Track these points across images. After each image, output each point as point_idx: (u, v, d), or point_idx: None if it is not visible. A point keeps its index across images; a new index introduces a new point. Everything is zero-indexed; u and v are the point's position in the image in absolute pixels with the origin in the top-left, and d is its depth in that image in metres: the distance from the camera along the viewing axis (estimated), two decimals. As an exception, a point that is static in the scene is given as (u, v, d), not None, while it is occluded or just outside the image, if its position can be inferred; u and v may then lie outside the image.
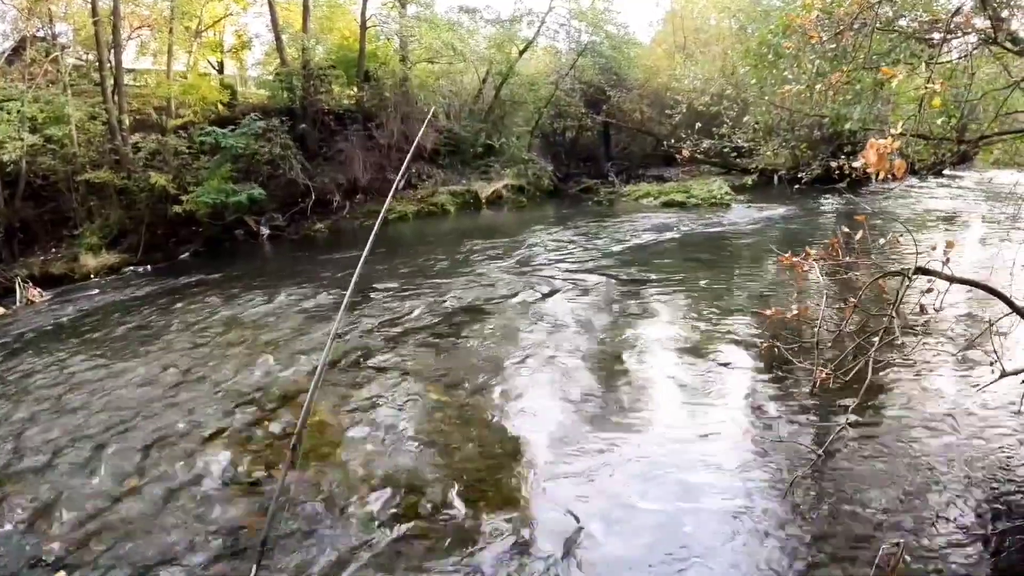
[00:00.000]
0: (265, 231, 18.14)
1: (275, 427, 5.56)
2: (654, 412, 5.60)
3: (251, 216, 18.06)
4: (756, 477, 4.48)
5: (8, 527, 4.48)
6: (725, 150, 11.02)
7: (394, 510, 4.27)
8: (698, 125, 11.17)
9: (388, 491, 4.48)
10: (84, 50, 19.78)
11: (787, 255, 3.53)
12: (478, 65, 23.66)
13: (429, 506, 4.28)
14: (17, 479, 5.17)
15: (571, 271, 11.23)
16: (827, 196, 18.98)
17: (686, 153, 11.21)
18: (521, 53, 24.75)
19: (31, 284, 15.85)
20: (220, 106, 19.36)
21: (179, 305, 11.13)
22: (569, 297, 9.50)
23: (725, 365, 6.52)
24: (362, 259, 3.71)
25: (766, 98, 8.83)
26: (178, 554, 3.96)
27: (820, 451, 4.16)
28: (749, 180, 18.53)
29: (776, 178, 21.51)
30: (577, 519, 4.06)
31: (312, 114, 19.85)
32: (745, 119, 10.75)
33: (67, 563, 3.99)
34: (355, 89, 20.99)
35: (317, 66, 20.33)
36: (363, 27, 21.09)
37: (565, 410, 5.69)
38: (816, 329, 3.63)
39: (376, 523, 4.15)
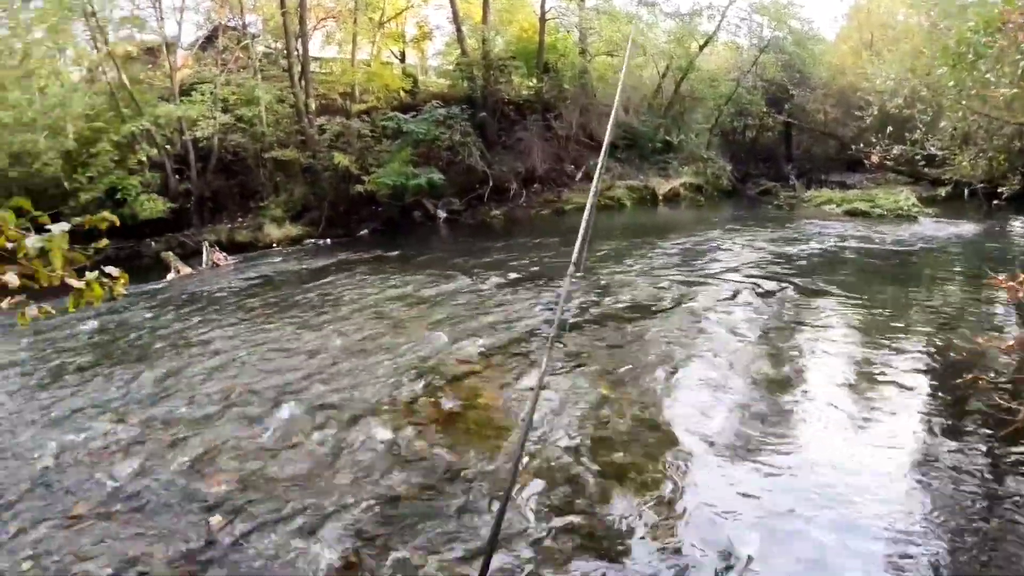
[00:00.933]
0: (442, 214, 17.86)
1: (443, 404, 5.25)
2: (822, 435, 4.77)
3: (429, 199, 17.88)
4: (924, 524, 3.67)
5: (175, 467, 4.58)
6: (916, 158, 9.94)
7: (551, 502, 3.92)
8: (889, 129, 10.11)
9: (543, 482, 4.09)
10: (273, 39, 20.53)
11: (1000, 276, 3.37)
12: (657, 59, 22.47)
13: (584, 502, 3.91)
14: (190, 425, 5.30)
15: (747, 276, 10.00)
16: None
17: (875, 159, 10.43)
18: (701, 48, 23.36)
19: (217, 248, 16.62)
20: (402, 93, 19.54)
21: (355, 278, 11.11)
22: (744, 303, 8.47)
23: (906, 390, 5.42)
24: (576, 250, 3.21)
25: (963, 103, 8.26)
26: (329, 515, 3.80)
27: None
28: (941, 192, 17.00)
29: (969, 192, 18.57)
30: (731, 537, 3.58)
31: (492, 103, 19.46)
32: (941, 124, 9.67)
33: (223, 508, 3.96)
34: (534, 80, 20.39)
35: (497, 57, 20.00)
36: (542, 19, 20.65)
37: (730, 421, 4.96)
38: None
39: (532, 513, 3.78)
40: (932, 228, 15.37)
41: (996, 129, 8.59)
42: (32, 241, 1.89)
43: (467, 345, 6.58)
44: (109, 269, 2.12)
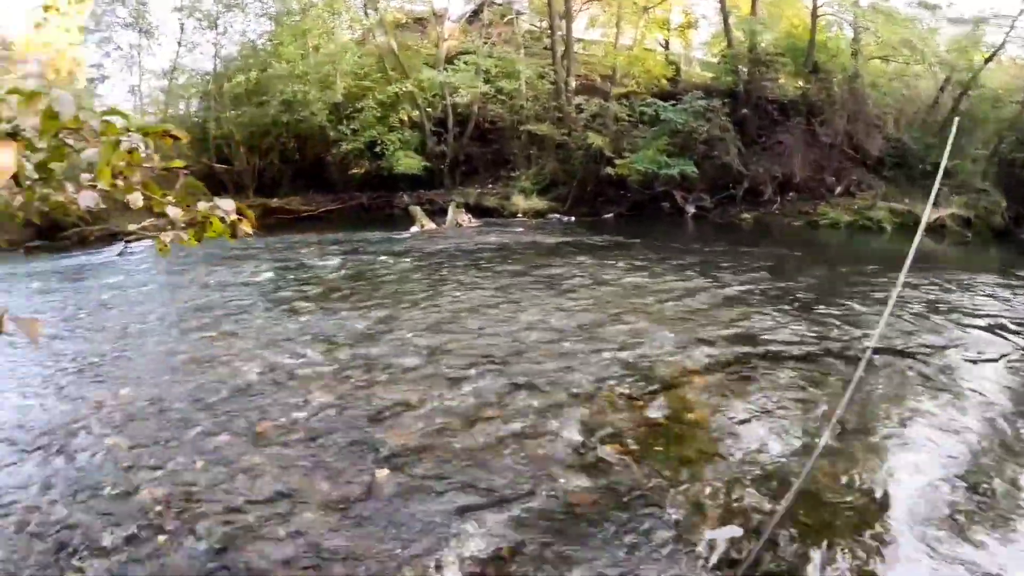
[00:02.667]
0: (691, 209, 17.15)
1: (648, 410, 4.62)
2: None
3: (679, 192, 17.17)
4: None
5: (363, 410, 4.56)
6: None
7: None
8: None
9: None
10: (538, 17, 20.88)
11: None
12: (938, 70, 20.26)
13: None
14: (390, 373, 5.29)
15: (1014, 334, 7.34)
16: None
17: None
18: (987, 61, 20.72)
19: (463, 210, 17.11)
20: (663, 81, 19.06)
21: (592, 260, 10.64)
22: (1010, 368, 6.17)
23: None
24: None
25: None
26: (494, 501, 3.47)
27: None
28: None
29: None
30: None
31: (754, 100, 18.40)
32: None
33: (393, 463, 3.82)
34: (801, 81, 19.08)
35: (763, 51, 18.90)
36: (814, 15, 19.16)
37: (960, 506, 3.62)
38: None
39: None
40: None
41: None
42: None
43: (691, 352, 5.81)
44: (228, 205, 2.21)
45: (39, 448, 4.41)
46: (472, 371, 5.30)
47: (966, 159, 19.99)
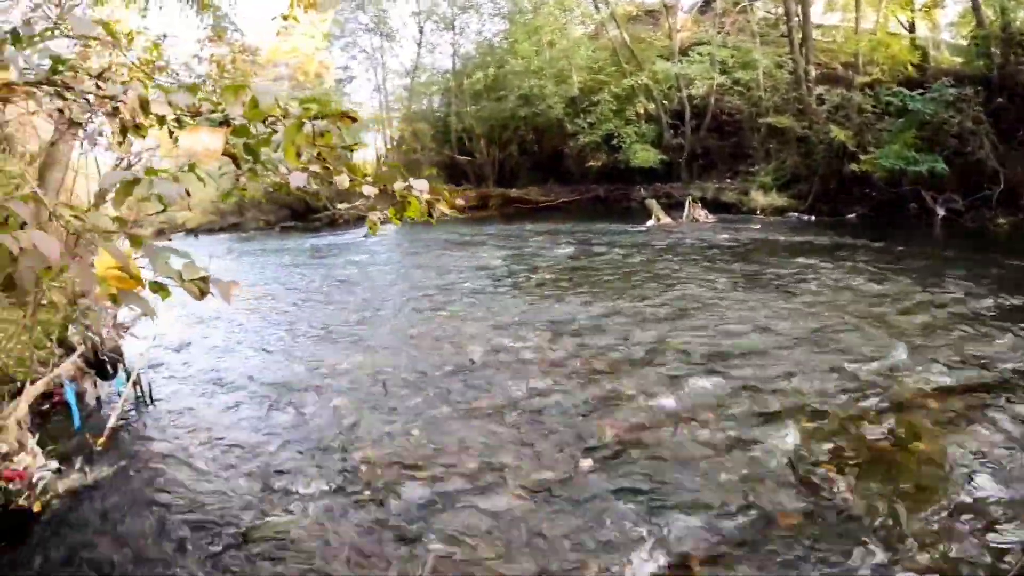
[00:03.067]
0: (941, 211, 16.07)
1: (873, 435, 4.27)
2: None
3: (928, 191, 16.58)
4: None
5: (582, 398, 4.78)
6: None
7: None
8: None
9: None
10: (773, 3, 20.73)
11: None
12: None
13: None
14: (615, 364, 5.51)
15: None
16: None
17: None
18: None
19: (700, 205, 17.59)
20: (909, 67, 18.19)
21: (829, 262, 10.24)
22: None
23: None
24: None
25: None
26: (695, 506, 3.45)
27: None
28: None
29: None
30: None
31: (1011, 87, 17.31)
32: None
33: (598, 455, 3.95)
34: (1067, 63, 17.66)
35: (1019, 31, 17.57)
36: (1085, -13, 17.47)
37: None
38: None
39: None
40: None
41: None
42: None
43: (928, 372, 5.32)
44: (422, 185, 2.28)
45: (271, 402, 5.10)
46: (696, 369, 5.42)
47: None
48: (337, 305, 8.76)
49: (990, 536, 3.15)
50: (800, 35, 18.93)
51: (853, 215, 16.63)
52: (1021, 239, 14.42)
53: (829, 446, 4.07)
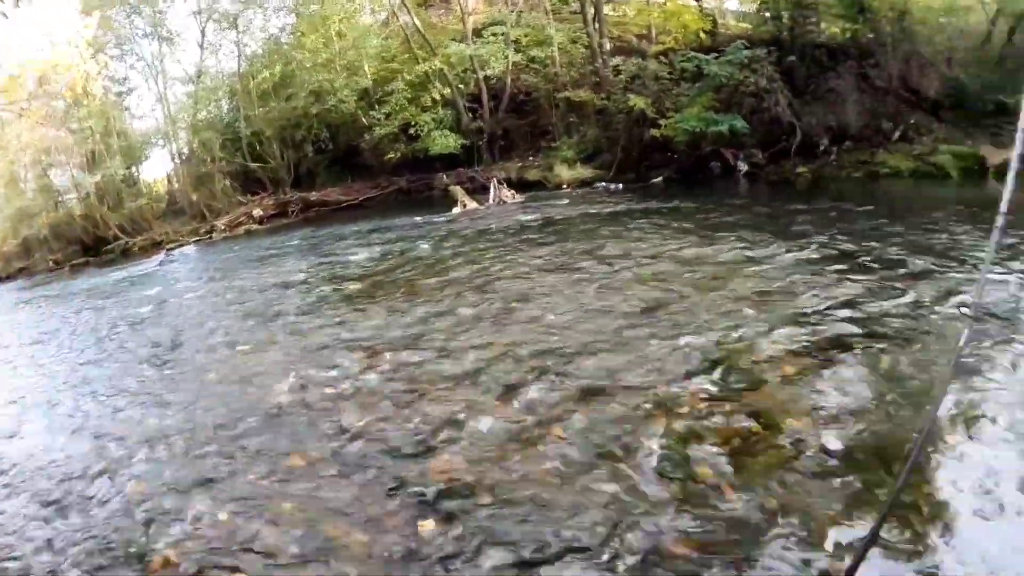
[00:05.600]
0: (743, 167, 16.34)
1: (735, 418, 3.78)
2: None
3: (729, 149, 16.37)
4: None
5: (403, 434, 4.08)
6: None
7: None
8: None
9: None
10: (565, -20, 20.37)
11: None
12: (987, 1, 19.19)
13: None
14: (435, 383, 4.79)
15: None
16: None
17: None
18: (1037, -13, 19.56)
19: (505, 186, 16.69)
20: (702, 35, 18.25)
21: (646, 230, 9.91)
22: None
23: None
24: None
25: None
26: (571, 550, 2.86)
27: None
28: None
29: None
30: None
31: (800, 47, 17.48)
32: None
33: (438, 509, 3.25)
34: (848, 22, 18.16)
35: None
36: (856, -50, 18.19)
37: None
38: None
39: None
40: None
41: None
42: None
43: (776, 336, 4.93)
44: None
45: (51, 501, 3.94)
46: (527, 375, 4.65)
47: (1033, 93, 18.83)
48: (128, 353, 7.41)
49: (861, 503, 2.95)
50: (592, 10, 18.44)
51: (659, 179, 16.40)
52: (818, 185, 15.24)
53: (696, 445, 3.56)
